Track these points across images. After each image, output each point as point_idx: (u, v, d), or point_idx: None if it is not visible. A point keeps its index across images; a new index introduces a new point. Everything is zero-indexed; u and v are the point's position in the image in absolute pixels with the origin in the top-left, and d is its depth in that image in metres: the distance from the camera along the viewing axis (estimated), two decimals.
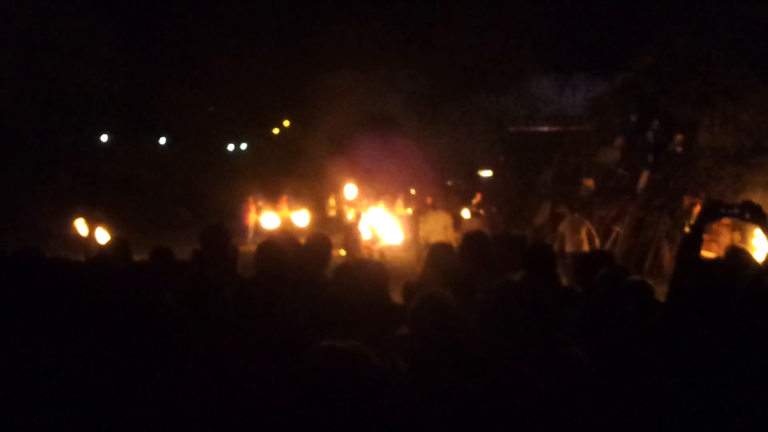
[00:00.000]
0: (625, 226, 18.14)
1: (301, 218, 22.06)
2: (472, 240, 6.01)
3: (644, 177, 18.75)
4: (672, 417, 3.53)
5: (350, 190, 21.46)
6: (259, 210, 24.33)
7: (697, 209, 17.50)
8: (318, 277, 5.49)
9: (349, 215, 18.86)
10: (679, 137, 18.97)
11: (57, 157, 25.26)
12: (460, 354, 3.59)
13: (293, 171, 29.38)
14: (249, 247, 22.68)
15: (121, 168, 27.60)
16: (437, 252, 5.97)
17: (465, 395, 3.01)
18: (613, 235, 18.40)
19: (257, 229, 23.27)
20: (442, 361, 3.57)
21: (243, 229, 23.67)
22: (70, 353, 3.72)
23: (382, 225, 14.30)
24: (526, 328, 3.19)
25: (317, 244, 5.76)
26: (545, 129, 27.25)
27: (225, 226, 6.35)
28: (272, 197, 24.88)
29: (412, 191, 22.26)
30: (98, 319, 4.10)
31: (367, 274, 4.78)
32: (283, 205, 24.34)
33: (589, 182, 19.68)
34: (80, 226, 17.03)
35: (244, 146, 39.07)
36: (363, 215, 17.61)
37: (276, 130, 38.56)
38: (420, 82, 28.26)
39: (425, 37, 27.16)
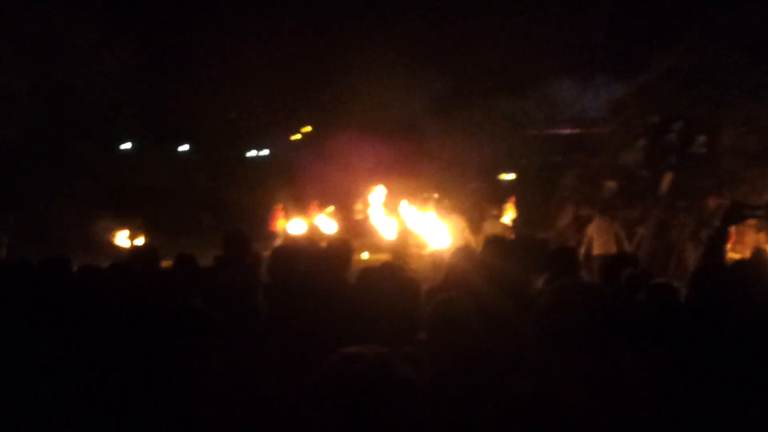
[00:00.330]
0: (648, 228, 18.06)
1: (328, 224, 22.13)
2: (492, 245, 6.01)
3: (667, 178, 18.68)
4: (693, 419, 3.51)
5: (379, 192, 21.51)
6: (287, 216, 24.28)
7: (720, 210, 17.42)
8: (339, 281, 5.50)
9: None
10: (701, 138, 18.89)
11: (77, 166, 25.41)
12: (479, 359, 3.57)
13: (317, 176, 29.37)
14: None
15: (142, 175, 27.73)
16: (458, 257, 5.97)
17: (491, 402, 2.99)
18: (637, 237, 18.32)
19: (285, 234, 23.15)
20: (461, 366, 3.55)
21: (270, 235, 23.54)
22: (97, 358, 3.75)
23: (430, 229, 14.25)
24: (589, 333, 3.14)
25: (337, 249, 5.78)
26: (566, 131, 27.14)
27: (245, 232, 6.39)
28: (300, 203, 24.88)
29: (435, 195, 22.20)
30: (128, 324, 4.13)
31: (391, 278, 4.80)
32: (314, 211, 24.38)
33: (612, 184, 19.63)
34: (122, 236, 17.15)
35: (265, 152, 39.17)
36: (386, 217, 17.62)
37: (298, 136, 38.61)
38: (441, 85, 28.19)
39: (446, 40, 27.12)
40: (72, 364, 3.79)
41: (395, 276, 4.69)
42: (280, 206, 24.92)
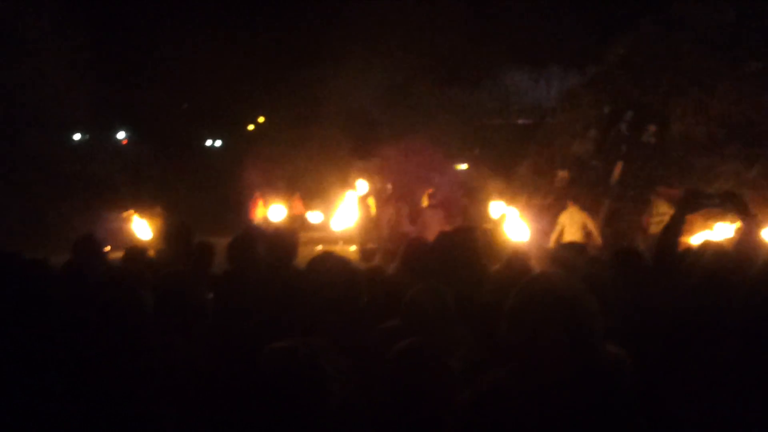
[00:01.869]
0: (599, 218, 18.22)
1: (315, 216, 22.35)
2: (446, 235, 6.03)
3: (618, 168, 18.85)
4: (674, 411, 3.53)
5: (362, 186, 21.55)
6: (266, 204, 24.36)
7: (674, 199, 17.63)
8: (286, 269, 5.49)
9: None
10: (651, 128, 19.07)
11: (28, 157, 25.04)
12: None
13: (272, 167, 29.25)
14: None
15: (93, 167, 27.42)
16: (411, 246, 5.99)
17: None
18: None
19: (266, 222, 23.12)
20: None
21: (249, 224, 23.30)
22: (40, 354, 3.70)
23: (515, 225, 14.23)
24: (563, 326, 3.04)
25: (283, 237, 5.75)
26: (520, 121, 27.30)
27: (186, 224, 6.36)
28: (279, 192, 24.99)
29: (389, 185, 22.21)
30: (78, 319, 4.09)
31: (329, 266, 4.79)
32: (297, 203, 24.40)
33: (564, 174, 19.74)
34: (138, 223, 17.03)
35: (219, 143, 38.94)
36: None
37: (251, 127, 38.43)
38: (393, 75, 28.20)
39: (398, 30, 27.11)
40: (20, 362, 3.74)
41: (333, 264, 4.67)
42: (258, 194, 24.96)
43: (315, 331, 3.05)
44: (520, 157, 22.19)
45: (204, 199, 26.03)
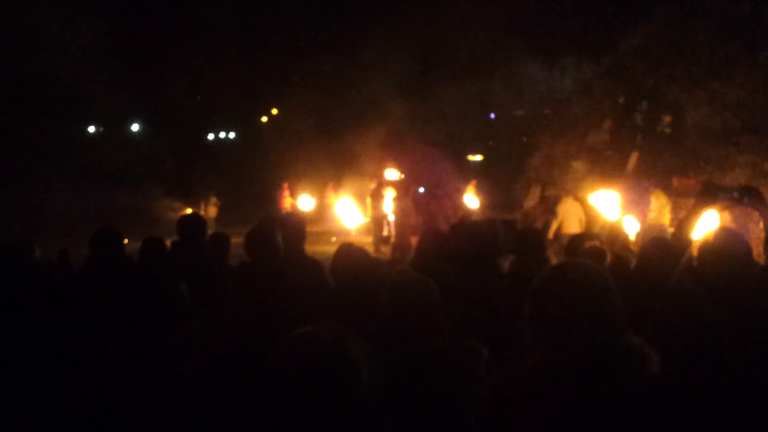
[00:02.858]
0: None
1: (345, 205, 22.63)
2: (459, 227, 6.07)
3: (633, 158, 18.80)
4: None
5: (391, 173, 21.66)
6: (292, 194, 24.93)
7: (692, 191, 17.58)
8: (297, 255, 5.52)
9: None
10: (667, 118, 19.01)
11: (43, 149, 25.17)
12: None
13: (285, 158, 29.32)
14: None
15: (109, 158, 27.55)
16: (426, 238, 6.01)
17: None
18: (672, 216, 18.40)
19: (295, 210, 23.63)
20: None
21: (279, 213, 23.64)
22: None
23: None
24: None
25: (291, 224, 5.77)
26: (534, 112, 27.22)
27: (198, 215, 6.40)
28: (307, 183, 25.33)
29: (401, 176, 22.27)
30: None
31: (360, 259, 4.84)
32: (330, 193, 24.54)
33: (578, 165, 19.71)
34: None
35: (232, 135, 39.01)
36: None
37: (264, 119, 38.47)
38: (407, 66, 28.16)
39: (413, 21, 27.05)
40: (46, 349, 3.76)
41: (359, 256, 4.72)
42: (285, 185, 25.46)
43: (337, 320, 3.06)
44: (535, 148, 22.15)
45: (220, 191, 26.12)
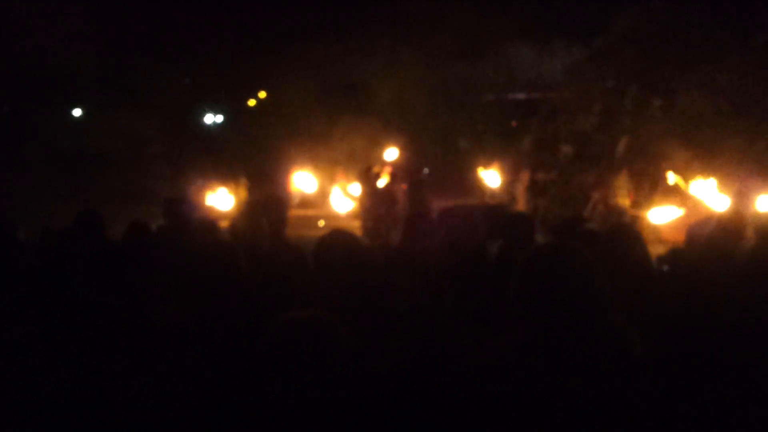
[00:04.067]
0: (604, 191, 18.23)
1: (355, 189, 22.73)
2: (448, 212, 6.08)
3: (623, 142, 18.82)
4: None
5: (392, 153, 21.64)
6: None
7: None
8: (278, 238, 5.51)
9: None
10: (656, 102, 19.05)
11: (29, 132, 25.06)
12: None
13: (268, 143, 29.28)
14: (296, 212, 23.62)
15: (95, 142, 27.45)
16: (413, 222, 5.99)
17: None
18: (592, 201, 18.48)
19: (302, 195, 23.82)
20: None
21: (288, 197, 24.31)
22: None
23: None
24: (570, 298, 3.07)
25: (273, 206, 5.77)
26: (523, 96, 27.21)
27: (188, 199, 6.37)
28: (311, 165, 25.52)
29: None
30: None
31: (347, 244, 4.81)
32: (341, 179, 24.62)
33: (568, 149, 19.74)
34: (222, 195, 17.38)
35: (220, 119, 38.88)
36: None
37: (252, 102, 38.36)
38: (398, 49, 28.10)
39: (403, 4, 26.96)
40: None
41: (346, 241, 4.69)
42: (291, 169, 25.59)
43: (324, 306, 3.08)
44: (524, 132, 22.15)
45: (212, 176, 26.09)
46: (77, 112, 34.32)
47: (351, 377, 2.78)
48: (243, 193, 23.12)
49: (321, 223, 19.07)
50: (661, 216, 12.51)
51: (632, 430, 2.96)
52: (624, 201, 17.76)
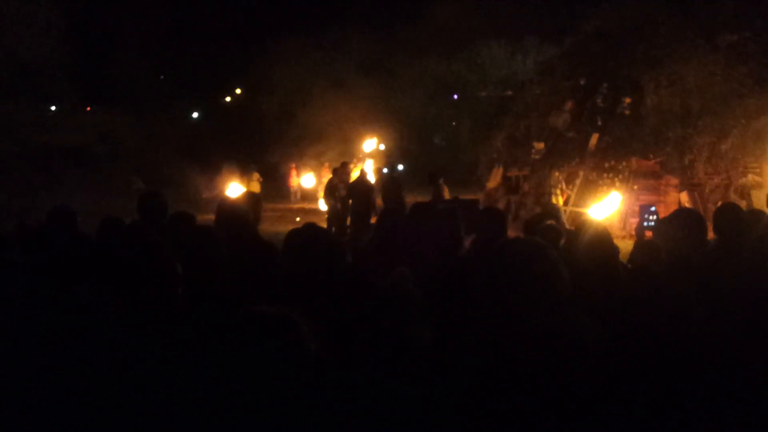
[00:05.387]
0: (576, 188, 18.37)
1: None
2: (418, 208, 6.11)
3: (594, 139, 18.95)
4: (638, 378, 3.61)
5: (368, 146, 21.77)
6: (298, 173, 25.77)
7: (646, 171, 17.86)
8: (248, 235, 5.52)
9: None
10: (627, 100, 19.18)
11: (2, 128, 24.85)
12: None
13: (247, 138, 29.26)
14: (293, 205, 23.75)
15: (70, 138, 27.28)
16: (384, 218, 6.03)
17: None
18: (565, 197, 18.63)
19: (301, 190, 24.98)
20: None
21: (287, 191, 25.89)
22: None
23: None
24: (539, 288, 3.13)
25: (247, 203, 5.76)
26: (496, 93, 27.31)
27: (161, 194, 6.36)
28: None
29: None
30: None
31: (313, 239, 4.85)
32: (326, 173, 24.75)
33: (540, 145, 19.84)
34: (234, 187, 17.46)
35: (195, 114, 38.73)
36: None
37: (228, 98, 38.27)
38: (372, 47, 28.15)
39: (376, 2, 27.03)
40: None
41: (312, 236, 4.74)
42: (293, 165, 26.17)
43: (289, 301, 3.11)
44: (497, 129, 22.23)
45: (185, 171, 26.01)
46: (53, 108, 34.10)
47: (314, 374, 2.80)
48: (256, 187, 23.58)
49: (298, 219, 19.15)
50: (600, 212, 12.66)
51: (593, 425, 3.05)
52: (557, 199, 17.97)
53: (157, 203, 6.24)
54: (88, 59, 29.14)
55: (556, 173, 17.94)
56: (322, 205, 18.93)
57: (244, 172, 24.28)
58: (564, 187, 18.52)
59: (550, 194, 17.44)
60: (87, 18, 28.79)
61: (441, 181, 15.39)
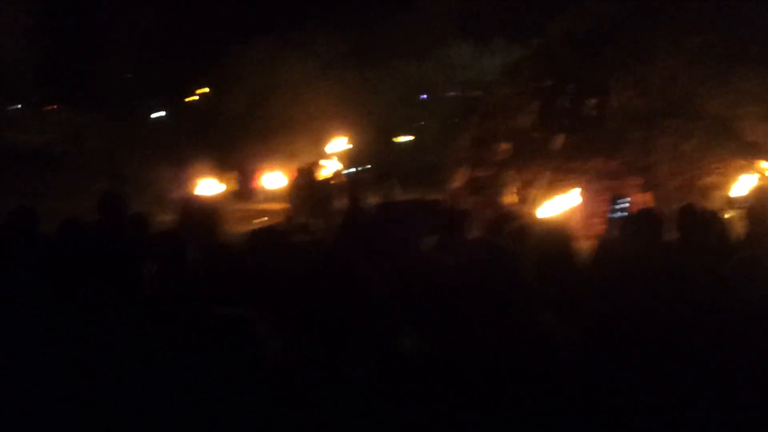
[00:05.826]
0: (541, 189, 18.45)
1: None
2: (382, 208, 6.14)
3: (559, 140, 19.07)
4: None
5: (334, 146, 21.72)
6: (266, 173, 25.15)
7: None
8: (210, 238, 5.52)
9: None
10: (592, 101, 19.32)
11: None
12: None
13: (213, 137, 29.12)
14: (257, 206, 23.34)
15: (33, 137, 27.03)
16: (348, 218, 6.06)
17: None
18: (530, 198, 18.70)
19: (266, 190, 24.42)
20: None
21: (251, 191, 25.48)
22: None
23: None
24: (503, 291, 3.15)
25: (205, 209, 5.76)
26: (462, 94, 27.36)
27: (122, 194, 6.36)
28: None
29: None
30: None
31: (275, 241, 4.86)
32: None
33: (506, 146, 19.92)
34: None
35: (161, 114, 38.42)
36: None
37: (194, 98, 38.02)
38: (337, 47, 28.12)
39: (342, 2, 27.01)
40: None
41: (273, 238, 4.75)
42: (261, 164, 26.00)
43: (252, 303, 3.13)
44: (464, 129, 22.27)
45: (151, 171, 25.83)
46: (16, 107, 33.73)
47: (274, 375, 2.81)
48: (233, 185, 23.50)
49: (257, 220, 19.08)
50: (552, 210, 12.78)
51: (559, 423, 3.08)
52: (512, 198, 18.07)
53: (117, 204, 6.22)
54: (53, 57, 28.83)
55: (512, 172, 18.03)
56: (291, 205, 18.90)
57: (219, 171, 24.16)
58: (521, 186, 18.61)
59: (505, 194, 17.52)
60: (52, 15, 28.50)
61: (394, 181, 15.40)
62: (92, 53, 29.65)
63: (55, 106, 34.04)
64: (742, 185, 15.75)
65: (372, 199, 14.98)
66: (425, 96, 29.32)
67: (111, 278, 3.96)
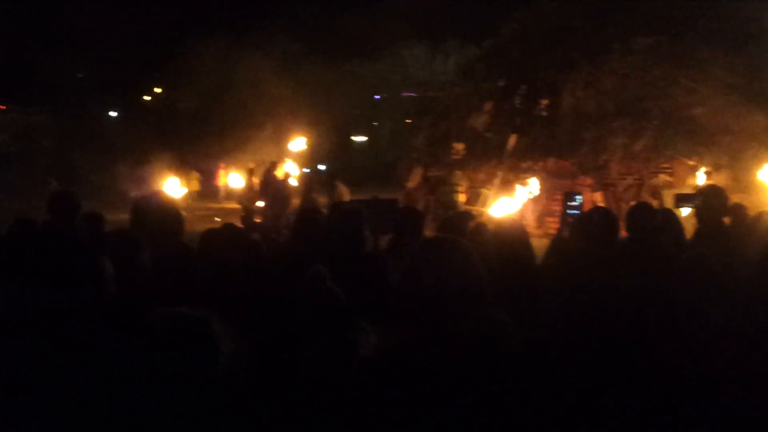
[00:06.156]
0: (494, 188, 18.57)
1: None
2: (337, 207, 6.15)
3: (512, 140, 19.21)
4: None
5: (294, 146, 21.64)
6: (226, 172, 25.57)
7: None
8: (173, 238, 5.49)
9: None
10: (544, 102, 19.49)
11: None
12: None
13: (169, 137, 28.93)
14: (221, 204, 23.75)
15: None
16: (302, 218, 6.06)
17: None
18: (483, 197, 18.82)
19: (227, 189, 24.81)
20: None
21: (214, 190, 26.26)
22: None
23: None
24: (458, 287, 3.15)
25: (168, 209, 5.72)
26: (417, 94, 27.50)
27: (74, 193, 6.28)
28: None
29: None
30: None
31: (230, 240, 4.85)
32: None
33: (460, 146, 20.03)
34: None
35: (114, 113, 38.10)
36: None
37: (148, 97, 37.76)
38: (293, 47, 28.09)
39: (297, 3, 27.00)
40: None
41: (229, 236, 4.74)
42: (221, 164, 26.18)
43: (207, 303, 3.12)
44: (418, 129, 22.37)
45: (105, 171, 25.62)
46: None
47: (230, 375, 2.80)
48: (195, 185, 23.56)
49: (217, 219, 19.02)
50: (506, 209, 12.89)
51: (511, 424, 3.10)
52: (459, 197, 18.22)
53: (68, 202, 6.16)
54: (2, 57, 28.45)
55: (458, 172, 18.18)
56: (247, 204, 18.85)
57: (182, 171, 24.06)
58: (475, 185, 18.74)
59: (451, 192, 17.63)
60: (1, 15, 28.12)
61: (338, 182, 15.40)
62: (43, 52, 29.31)
63: (4, 107, 33.63)
64: (691, 184, 15.98)
65: (321, 200, 14.98)
66: (379, 96, 29.43)
67: (63, 278, 3.92)
